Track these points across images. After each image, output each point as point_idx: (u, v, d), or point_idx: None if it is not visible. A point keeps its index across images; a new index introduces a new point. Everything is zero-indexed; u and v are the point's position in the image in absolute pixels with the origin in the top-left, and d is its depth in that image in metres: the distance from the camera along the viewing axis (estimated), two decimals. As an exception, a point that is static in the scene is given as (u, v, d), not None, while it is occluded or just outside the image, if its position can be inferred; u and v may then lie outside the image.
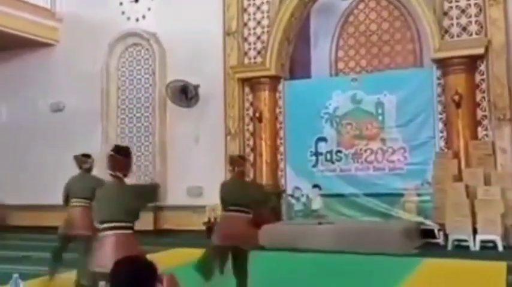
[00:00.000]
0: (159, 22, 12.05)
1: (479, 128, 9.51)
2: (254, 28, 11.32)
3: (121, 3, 12.56)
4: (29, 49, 13.17)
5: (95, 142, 12.23)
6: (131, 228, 3.77)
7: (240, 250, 5.13)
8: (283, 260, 7.88)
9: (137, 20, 12.41)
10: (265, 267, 7.38)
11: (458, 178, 9.09)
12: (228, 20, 11.37)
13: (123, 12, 12.51)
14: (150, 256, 2.56)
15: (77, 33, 12.68)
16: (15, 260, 8.09)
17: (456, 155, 9.34)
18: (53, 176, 12.56)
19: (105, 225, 3.72)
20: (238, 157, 5.71)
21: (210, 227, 10.22)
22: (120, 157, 3.89)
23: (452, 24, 9.72)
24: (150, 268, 2.24)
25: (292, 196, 10.64)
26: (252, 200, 5.21)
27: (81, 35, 12.59)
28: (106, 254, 3.56)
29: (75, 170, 11.97)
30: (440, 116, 9.75)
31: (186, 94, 11.36)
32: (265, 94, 11.04)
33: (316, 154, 10.51)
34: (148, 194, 3.87)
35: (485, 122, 9.49)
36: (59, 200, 12.78)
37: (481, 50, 9.39)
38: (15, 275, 3.42)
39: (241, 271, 5.10)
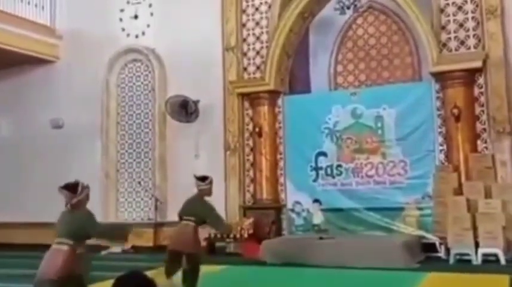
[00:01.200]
0: (159, 38, 12.13)
1: (478, 141, 9.51)
2: (253, 43, 11.39)
3: (121, 20, 12.65)
4: (29, 66, 13.24)
5: (95, 158, 12.26)
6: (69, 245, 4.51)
7: (188, 255, 6.05)
8: (283, 276, 7.83)
9: (137, 36, 12.49)
10: (266, 282, 7.35)
11: (459, 191, 9.07)
12: (227, 36, 11.44)
13: (123, 29, 12.60)
14: (149, 273, 2.55)
15: (77, 49, 12.76)
16: (14, 278, 8.03)
17: (456, 169, 9.33)
18: (53, 193, 12.56)
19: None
20: (197, 177, 6.49)
21: (211, 242, 10.21)
22: (67, 192, 4.66)
23: (450, 38, 9.77)
24: (150, 284, 2.24)
25: (292, 210, 10.61)
26: (196, 214, 6.19)
27: (81, 51, 12.66)
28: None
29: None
30: (439, 129, 9.76)
31: (185, 109, 11.39)
32: (264, 109, 11.06)
33: (317, 168, 10.51)
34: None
35: (484, 135, 9.49)
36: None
37: (479, 64, 9.43)
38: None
39: (190, 275, 5.99)
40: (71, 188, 4.67)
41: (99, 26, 12.58)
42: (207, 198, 6.46)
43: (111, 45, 12.38)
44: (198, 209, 6.23)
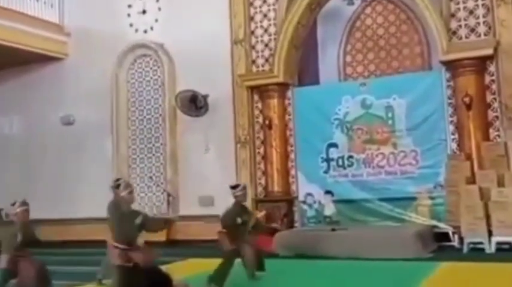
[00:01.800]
0: (167, 33, 12.13)
1: (490, 130, 9.45)
2: (261, 36, 11.36)
3: (129, 15, 12.66)
4: (39, 64, 13.32)
5: (106, 154, 12.33)
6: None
7: None
8: (296, 268, 7.85)
9: (145, 31, 12.51)
10: (279, 274, 7.38)
11: (471, 180, 9.02)
12: (235, 29, 11.42)
13: (131, 25, 12.62)
14: (164, 267, 2.57)
15: (85, 46, 12.81)
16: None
17: (468, 157, 9.28)
18: (65, 190, 12.66)
19: None
20: (231, 186, 7.02)
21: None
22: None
23: (460, 26, 9.69)
24: (166, 279, 2.26)
25: (304, 202, 10.61)
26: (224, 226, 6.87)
27: (90, 48, 12.71)
28: None
29: (87, 184, 12.09)
30: (451, 118, 9.70)
31: (195, 104, 11.41)
32: (274, 102, 11.06)
33: (328, 159, 10.49)
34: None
35: (496, 123, 9.43)
36: (70, 214, 12.86)
37: (490, 51, 9.34)
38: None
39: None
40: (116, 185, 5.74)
41: (107, 22, 12.61)
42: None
43: (119, 41, 12.40)
44: (224, 221, 6.86)
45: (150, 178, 12.06)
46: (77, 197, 12.41)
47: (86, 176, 12.48)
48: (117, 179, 7.08)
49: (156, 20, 12.40)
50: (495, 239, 8.38)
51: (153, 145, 12.25)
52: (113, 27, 12.55)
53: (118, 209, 5.79)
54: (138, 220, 5.38)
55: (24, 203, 5.87)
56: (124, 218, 5.48)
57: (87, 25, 12.92)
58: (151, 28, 12.45)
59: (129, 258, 5.16)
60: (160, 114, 12.18)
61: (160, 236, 11.15)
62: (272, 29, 11.24)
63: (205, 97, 11.36)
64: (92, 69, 12.62)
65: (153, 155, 12.23)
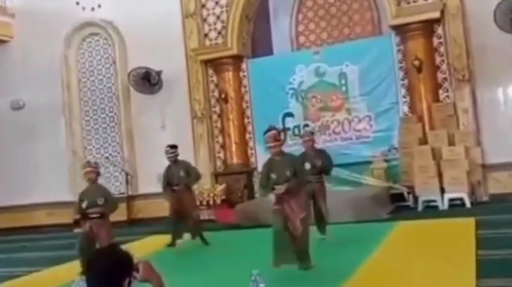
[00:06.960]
0: (116, 10, 11.81)
1: (440, 91, 9.70)
2: (213, 8, 11.22)
3: (75, -7, 12.25)
4: (-18, 48, 12.80)
5: (60, 137, 12.07)
6: None
7: None
8: (258, 237, 7.94)
9: (93, 9, 12.14)
10: (241, 244, 7.49)
11: (424, 140, 9.30)
12: (186, 2, 11.23)
13: (77, 3, 12.21)
14: (125, 246, 2.58)
15: (31, 27, 12.34)
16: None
17: (420, 119, 9.54)
18: (20, 175, 12.35)
19: None
20: None
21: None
22: None
23: (407, -10, 9.83)
24: (126, 257, 2.25)
25: (263, 173, 10.67)
26: None
27: (36, 28, 12.26)
28: None
29: (41, 169, 11.79)
30: (402, 82, 9.91)
31: (149, 81, 11.24)
32: (229, 74, 11.01)
33: (284, 129, 10.56)
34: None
35: (445, 84, 9.68)
36: (27, 199, 12.55)
37: (437, 14, 9.52)
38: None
39: None
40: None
41: (53, 1, 12.17)
42: None
43: (66, 20, 12.00)
44: None
45: (107, 158, 11.90)
46: (31, 183, 12.14)
47: (39, 160, 12.21)
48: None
49: (104, -3, 12.05)
50: (447, 196, 8.71)
51: (108, 125, 12.04)
52: (59, 6, 12.12)
53: None
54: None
55: None
56: None
57: (31, 5, 12.44)
58: (99, 6, 12.08)
59: None
60: (114, 93, 11.96)
61: (121, 216, 11.11)
62: (223, 1, 11.11)
63: (158, 73, 11.20)
64: (39, 50, 12.20)
65: (109, 135, 12.03)
